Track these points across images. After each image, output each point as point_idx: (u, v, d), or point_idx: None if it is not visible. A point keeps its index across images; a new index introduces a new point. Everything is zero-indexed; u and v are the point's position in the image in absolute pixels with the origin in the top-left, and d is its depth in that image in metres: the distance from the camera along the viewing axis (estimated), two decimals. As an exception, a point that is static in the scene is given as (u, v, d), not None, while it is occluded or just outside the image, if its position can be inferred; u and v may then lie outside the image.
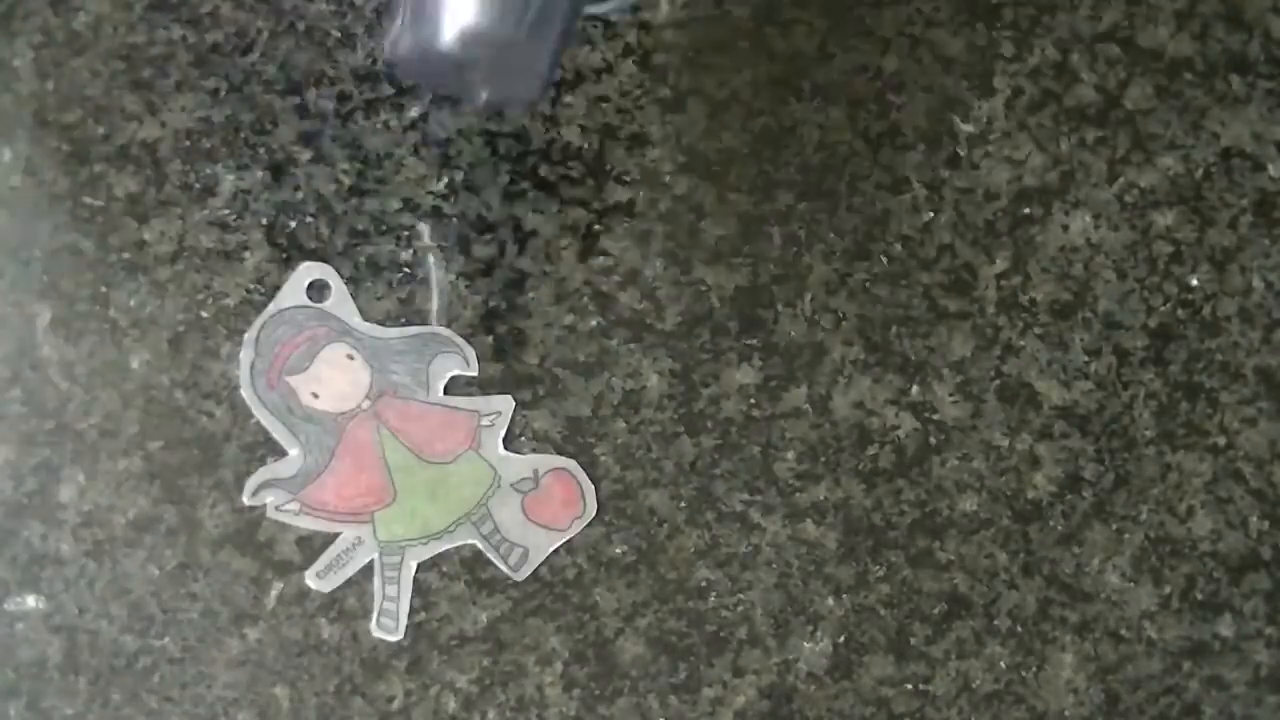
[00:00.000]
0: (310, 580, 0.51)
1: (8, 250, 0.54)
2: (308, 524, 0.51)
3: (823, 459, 0.54)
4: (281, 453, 0.52)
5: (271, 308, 0.53)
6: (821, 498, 0.54)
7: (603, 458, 0.54)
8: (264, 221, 0.55)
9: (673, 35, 0.59)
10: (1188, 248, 0.59)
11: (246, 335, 0.53)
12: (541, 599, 0.52)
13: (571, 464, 0.53)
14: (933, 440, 0.55)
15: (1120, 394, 0.56)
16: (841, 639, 0.52)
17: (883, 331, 0.56)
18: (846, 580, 0.53)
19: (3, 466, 0.52)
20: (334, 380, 0.53)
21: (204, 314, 0.54)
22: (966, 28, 0.61)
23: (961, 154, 0.59)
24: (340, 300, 0.53)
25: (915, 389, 0.56)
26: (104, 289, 0.54)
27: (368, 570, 0.52)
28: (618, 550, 0.53)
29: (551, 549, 0.52)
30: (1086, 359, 0.57)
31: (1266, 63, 0.61)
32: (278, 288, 0.55)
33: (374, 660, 0.51)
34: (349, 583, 0.51)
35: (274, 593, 0.51)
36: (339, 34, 0.58)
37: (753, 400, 0.55)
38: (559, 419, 0.54)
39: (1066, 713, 0.52)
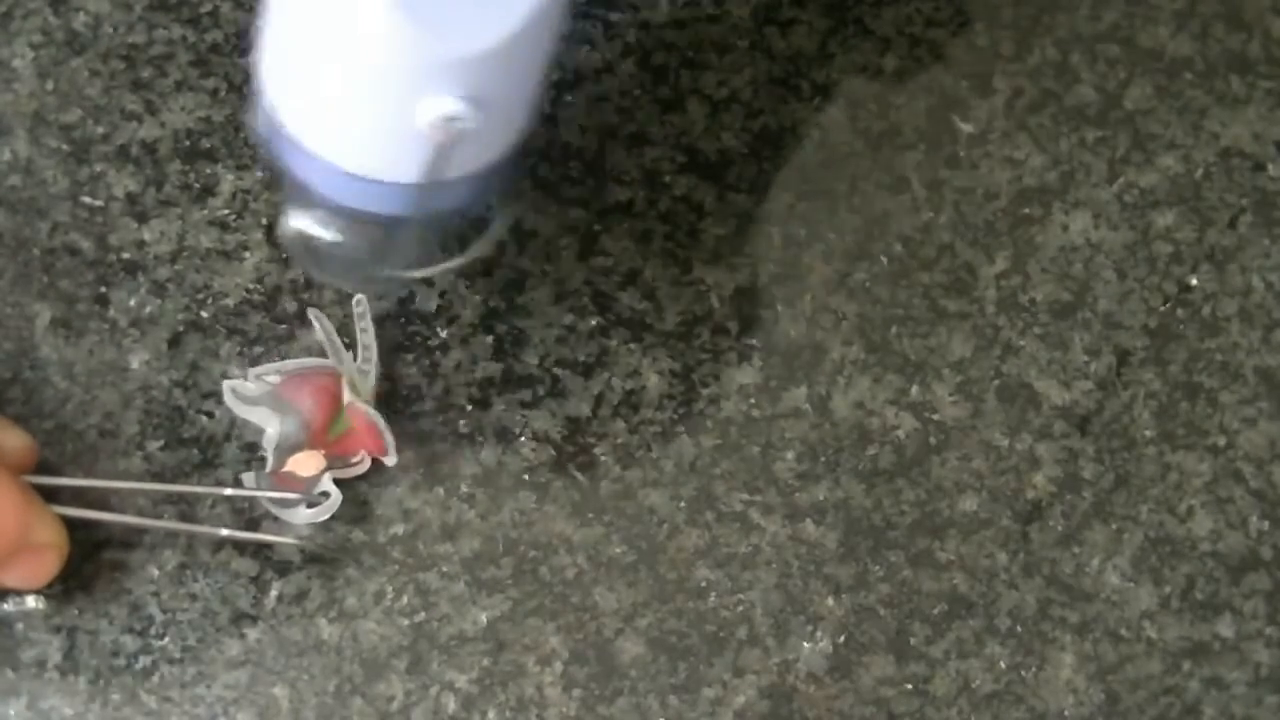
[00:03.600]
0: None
1: (8, 250, 0.54)
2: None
3: (823, 459, 0.54)
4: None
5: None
6: (821, 498, 0.54)
7: (603, 458, 0.54)
8: (264, 221, 0.55)
9: (673, 35, 0.59)
10: (1187, 248, 0.59)
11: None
12: (541, 599, 0.52)
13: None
14: (933, 440, 0.55)
15: (1120, 394, 0.56)
16: (841, 639, 0.52)
17: (883, 331, 0.56)
18: (846, 580, 0.53)
19: (2, 466, 0.52)
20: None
21: (204, 314, 0.54)
22: (966, 28, 0.61)
23: (961, 154, 0.59)
24: None
25: (915, 389, 0.56)
26: (104, 289, 0.54)
27: (368, 571, 0.52)
28: (618, 550, 0.53)
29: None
30: (1086, 359, 0.57)
31: (1266, 63, 0.61)
32: (278, 287, 0.54)
33: (374, 660, 0.51)
34: (349, 582, 0.51)
35: (274, 593, 0.51)
36: (339, 34, 0.58)
37: (753, 400, 0.55)
38: (559, 419, 0.54)
39: (1066, 713, 0.52)
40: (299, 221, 0.48)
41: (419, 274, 0.51)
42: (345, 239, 0.48)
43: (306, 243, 0.48)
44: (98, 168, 0.55)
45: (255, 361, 0.53)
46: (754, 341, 0.56)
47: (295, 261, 0.50)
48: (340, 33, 0.42)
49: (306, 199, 0.47)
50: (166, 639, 0.50)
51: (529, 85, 0.46)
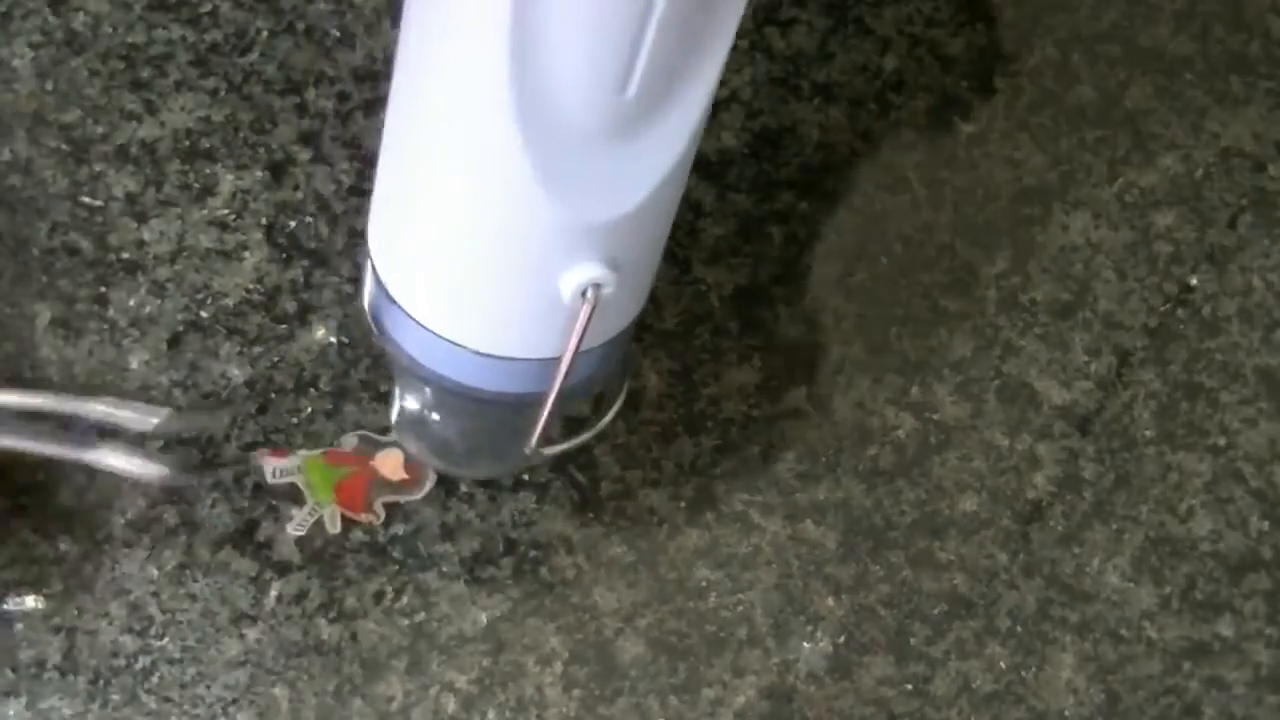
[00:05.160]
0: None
1: (8, 250, 0.54)
2: None
3: (823, 459, 0.54)
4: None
5: None
6: (821, 498, 0.54)
7: (603, 458, 0.54)
8: (264, 221, 0.55)
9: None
10: (1187, 248, 0.59)
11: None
12: (541, 599, 0.52)
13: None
14: (933, 440, 0.55)
15: (1120, 394, 0.56)
16: (841, 639, 0.52)
17: (883, 331, 0.56)
18: (846, 580, 0.53)
19: (2, 466, 0.52)
20: None
21: (204, 314, 0.54)
22: (966, 28, 0.61)
23: (961, 154, 0.59)
24: None
25: (915, 389, 0.56)
26: (104, 289, 0.54)
27: (368, 571, 0.52)
28: (618, 550, 0.53)
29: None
30: (1086, 359, 0.57)
31: (1266, 63, 0.61)
32: (278, 287, 0.54)
33: (373, 660, 0.51)
34: (348, 583, 0.51)
35: (273, 593, 0.51)
36: (339, 34, 0.58)
37: (753, 400, 0.55)
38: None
39: (1066, 713, 0.52)
40: (415, 409, 0.45)
41: (549, 452, 0.48)
42: (470, 423, 0.45)
43: (426, 431, 0.45)
44: (97, 168, 0.55)
45: (255, 362, 0.53)
46: (754, 341, 0.56)
47: (411, 452, 0.48)
48: (478, 210, 0.39)
49: (422, 382, 0.43)
50: (166, 639, 0.50)
51: (662, 239, 0.43)
